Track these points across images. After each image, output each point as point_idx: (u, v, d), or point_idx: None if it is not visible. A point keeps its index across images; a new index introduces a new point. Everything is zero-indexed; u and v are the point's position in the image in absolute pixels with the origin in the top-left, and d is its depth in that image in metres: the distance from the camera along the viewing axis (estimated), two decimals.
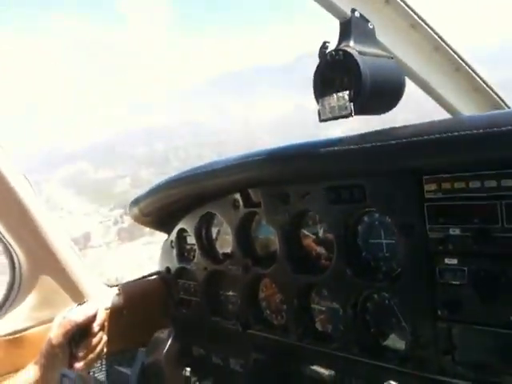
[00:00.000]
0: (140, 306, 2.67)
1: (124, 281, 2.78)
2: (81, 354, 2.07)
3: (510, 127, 1.26)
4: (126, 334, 2.57)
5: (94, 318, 2.13)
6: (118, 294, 2.64)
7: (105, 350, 2.25)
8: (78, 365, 2.05)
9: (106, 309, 2.53)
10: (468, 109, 2.12)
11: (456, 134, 1.36)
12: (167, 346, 2.27)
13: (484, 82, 2.06)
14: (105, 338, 2.22)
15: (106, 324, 2.32)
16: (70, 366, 2.03)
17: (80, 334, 2.08)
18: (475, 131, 1.32)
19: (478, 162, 1.40)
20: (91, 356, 2.12)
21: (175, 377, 2.27)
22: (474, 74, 2.02)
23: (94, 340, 2.12)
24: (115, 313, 2.58)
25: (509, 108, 2.27)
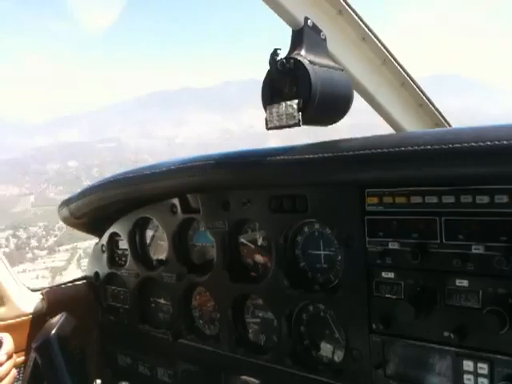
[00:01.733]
0: (65, 310, 2.53)
1: None
2: None
3: (454, 145, 1.26)
4: None
5: None
6: (41, 299, 2.49)
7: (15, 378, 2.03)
8: None
9: (27, 314, 2.38)
10: (411, 124, 2.16)
11: (399, 149, 1.36)
12: (57, 326, 2.01)
13: (428, 98, 2.11)
14: (14, 370, 1.97)
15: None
16: None
17: None
18: (418, 148, 1.32)
19: (421, 178, 1.41)
20: None
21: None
22: (418, 91, 2.07)
23: (1, 370, 1.89)
24: (37, 319, 2.43)
25: (450, 126, 2.34)
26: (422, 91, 2.08)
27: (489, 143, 1.18)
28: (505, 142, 1.16)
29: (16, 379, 2.02)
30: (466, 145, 1.23)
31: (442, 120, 2.25)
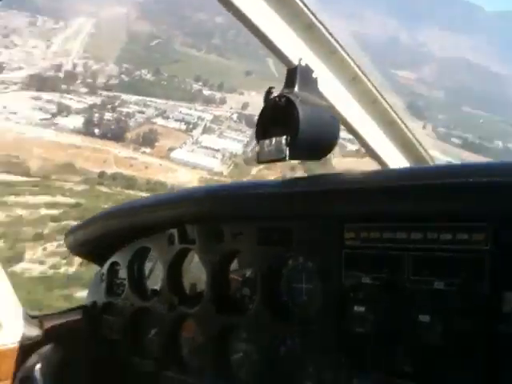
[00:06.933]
0: (60, 341, 2.50)
1: None
2: None
3: (423, 182, 1.36)
4: None
5: None
6: (37, 327, 2.46)
7: None
8: None
9: (22, 341, 2.34)
10: (396, 162, 2.23)
11: (374, 185, 1.45)
12: (43, 358, 2.01)
13: (415, 137, 2.16)
14: None
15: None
16: None
17: None
18: (391, 184, 1.42)
19: (393, 213, 1.49)
20: None
21: None
22: (406, 130, 2.12)
23: None
24: (31, 347, 2.38)
25: (433, 162, 2.39)
26: (409, 130, 2.13)
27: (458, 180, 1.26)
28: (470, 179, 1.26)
29: None
30: (428, 182, 1.33)
31: (427, 158, 2.29)
